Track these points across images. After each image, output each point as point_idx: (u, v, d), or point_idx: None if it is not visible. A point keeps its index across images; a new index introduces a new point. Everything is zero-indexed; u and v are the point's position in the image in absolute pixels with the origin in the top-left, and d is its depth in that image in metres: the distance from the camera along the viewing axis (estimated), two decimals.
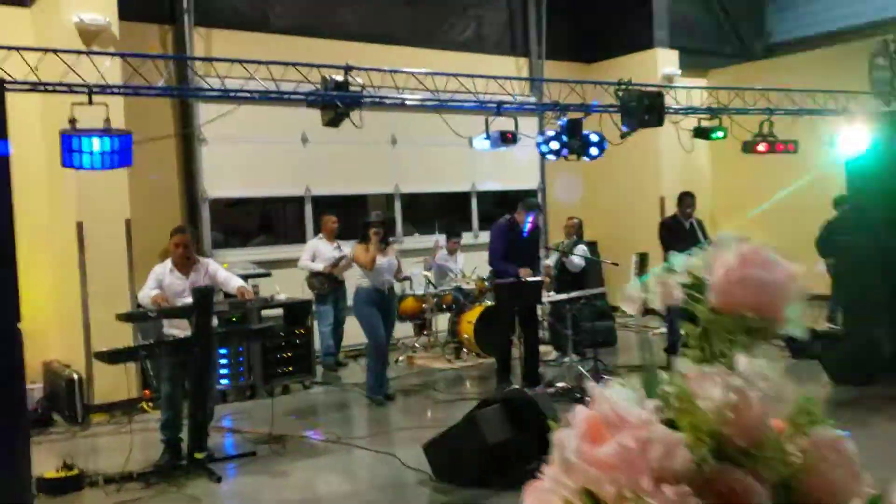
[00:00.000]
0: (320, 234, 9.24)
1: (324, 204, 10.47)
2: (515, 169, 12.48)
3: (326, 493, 5.32)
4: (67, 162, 4.89)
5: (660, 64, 12.37)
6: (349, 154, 10.57)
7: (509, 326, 7.75)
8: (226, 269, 6.15)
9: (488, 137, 6.58)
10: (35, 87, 5.02)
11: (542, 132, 6.63)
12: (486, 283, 10.06)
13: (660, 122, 6.44)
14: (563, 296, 7.60)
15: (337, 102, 5.54)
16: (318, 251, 9.01)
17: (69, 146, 4.78)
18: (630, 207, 12.68)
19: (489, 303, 9.61)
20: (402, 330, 9.93)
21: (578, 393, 7.27)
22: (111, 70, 6.79)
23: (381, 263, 7.50)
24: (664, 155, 12.46)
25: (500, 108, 6.66)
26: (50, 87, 5.15)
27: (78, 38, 7.47)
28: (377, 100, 6.47)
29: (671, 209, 12.55)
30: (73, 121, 4.95)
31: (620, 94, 6.51)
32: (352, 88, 5.70)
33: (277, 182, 10.23)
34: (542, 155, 6.95)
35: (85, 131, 4.88)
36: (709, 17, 15.26)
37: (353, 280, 8.86)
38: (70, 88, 5.10)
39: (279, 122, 9.86)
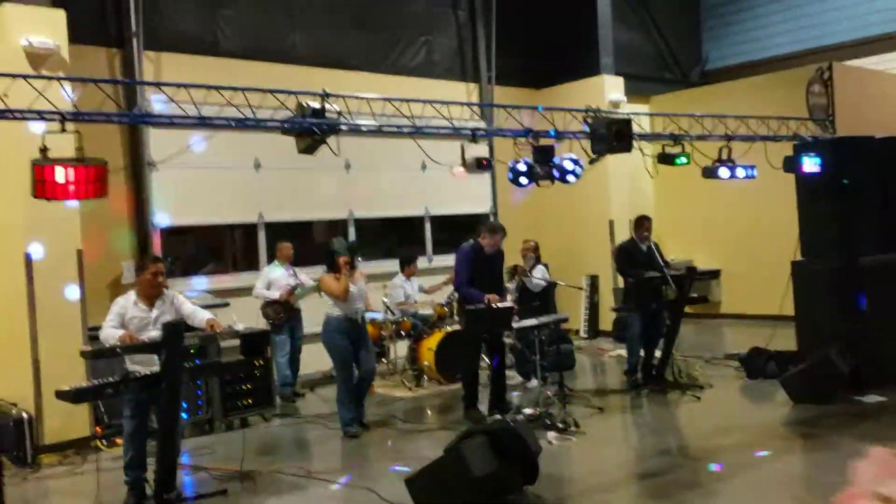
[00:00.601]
0: (275, 261, 9.05)
1: (276, 230, 10.30)
2: (468, 193, 12.51)
3: None
4: (39, 193, 4.65)
5: (606, 90, 12.58)
6: (302, 180, 10.43)
7: (476, 352, 7.68)
8: (189, 302, 5.93)
9: (464, 164, 6.55)
10: (2, 113, 4.76)
11: (514, 160, 6.60)
12: (445, 309, 10.02)
13: (628, 149, 6.51)
14: (533, 321, 7.58)
15: (314, 129, 5.43)
16: (273, 279, 8.83)
17: (41, 176, 4.55)
18: (580, 231, 12.83)
19: (449, 329, 9.56)
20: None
21: (548, 419, 7.25)
22: (58, 95, 6.47)
23: (353, 291, 7.38)
24: (612, 179, 12.67)
25: (475, 135, 6.63)
26: (19, 115, 4.89)
27: (25, 61, 7.20)
28: (353, 127, 6.36)
29: (620, 232, 12.82)
30: (44, 149, 4.70)
31: (589, 120, 6.56)
32: (328, 115, 5.59)
33: (230, 209, 10.00)
34: (512, 182, 6.91)
35: (58, 161, 4.65)
36: (648, 43, 15.63)
37: (312, 308, 8.78)
38: (41, 115, 4.86)
39: (232, 148, 9.65)
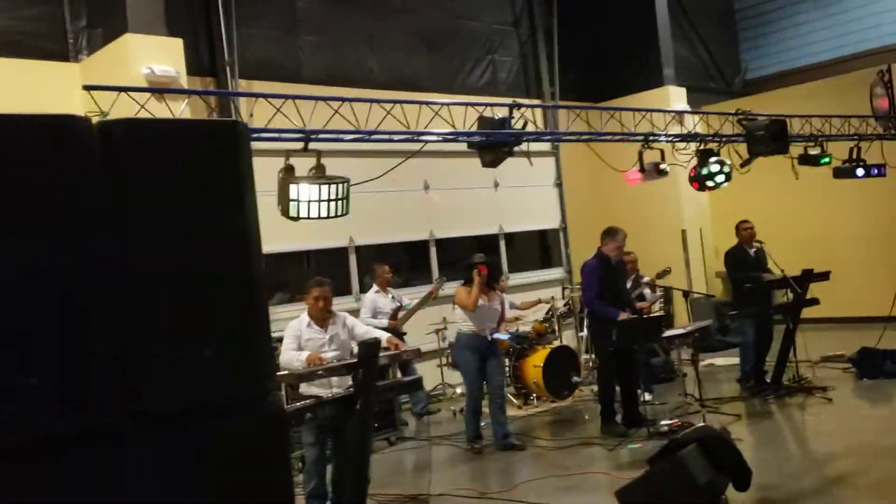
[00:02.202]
0: (375, 287, 8.91)
1: (364, 254, 10.22)
2: (538, 210, 12.47)
3: None
4: (288, 213, 4.54)
5: (672, 100, 12.61)
6: (383, 202, 10.36)
7: (613, 365, 7.56)
8: (361, 323, 5.81)
9: (643, 170, 6.48)
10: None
11: (658, 171, 6.54)
12: (545, 326, 9.91)
13: (785, 150, 6.48)
14: (681, 330, 7.49)
15: (504, 141, 5.36)
16: (377, 306, 8.70)
17: (289, 195, 4.44)
18: (651, 242, 12.75)
19: (552, 345, 9.46)
20: (455, 377, 9.65)
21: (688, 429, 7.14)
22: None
23: (483, 305, 7.30)
24: (684, 187, 12.63)
25: (647, 140, 6.58)
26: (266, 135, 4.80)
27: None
28: (535, 137, 6.30)
29: (693, 242, 12.80)
30: (290, 167, 4.60)
31: (745, 122, 6.53)
32: (515, 126, 5.52)
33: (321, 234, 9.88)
34: (699, 185, 6.81)
35: (303, 178, 4.56)
36: (692, 54, 15.73)
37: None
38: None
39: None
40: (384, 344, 5.58)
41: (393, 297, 8.92)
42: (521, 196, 12.14)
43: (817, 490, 5.44)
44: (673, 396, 8.69)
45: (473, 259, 7.72)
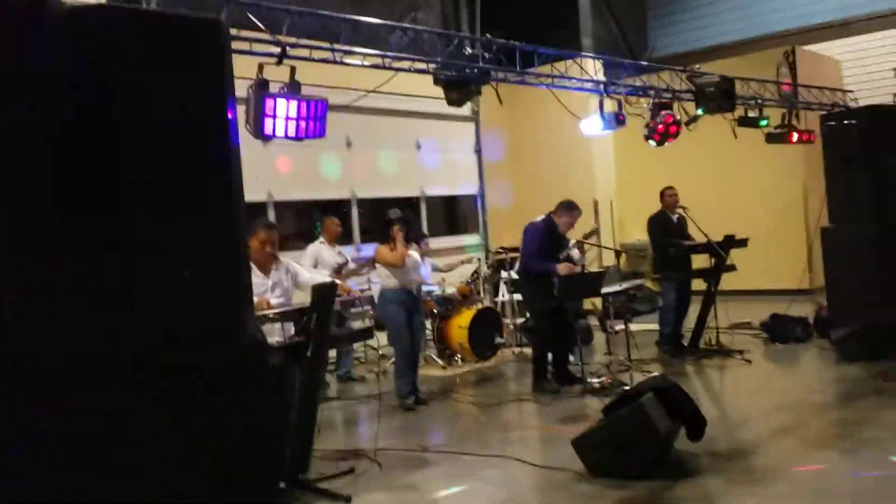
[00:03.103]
0: (321, 239, 8.54)
1: (285, 209, 9.82)
2: (457, 174, 12.34)
3: (485, 502, 4.86)
4: (262, 130, 4.13)
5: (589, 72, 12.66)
6: (306, 158, 9.98)
7: (549, 323, 7.52)
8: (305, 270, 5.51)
9: (603, 117, 6.36)
10: None
11: (618, 121, 6.44)
12: (470, 287, 9.81)
13: (732, 108, 6.54)
14: (617, 287, 7.51)
15: (472, 78, 5.12)
16: (320, 257, 8.31)
17: (264, 110, 4.04)
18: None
19: (477, 306, 9.38)
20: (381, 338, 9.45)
21: (618, 387, 7.21)
22: None
23: (409, 261, 7.13)
24: (597, 158, 12.84)
25: (606, 90, 6.47)
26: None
27: None
28: (501, 77, 6.06)
29: (604, 213, 12.97)
30: (264, 81, 4.19)
31: (696, 79, 6.54)
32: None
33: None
34: (648, 140, 6.76)
35: (277, 94, 4.16)
36: (605, 28, 15.90)
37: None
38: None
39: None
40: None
41: (339, 252, 8.56)
42: (442, 160, 11.98)
43: (761, 442, 5.55)
44: (592, 358, 8.75)
45: (389, 215, 7.52)
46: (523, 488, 5.00)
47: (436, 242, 11.56)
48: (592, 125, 6.39)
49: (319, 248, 8.34)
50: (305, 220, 10.54)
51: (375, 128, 10.85)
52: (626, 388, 7.13)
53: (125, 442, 2.86)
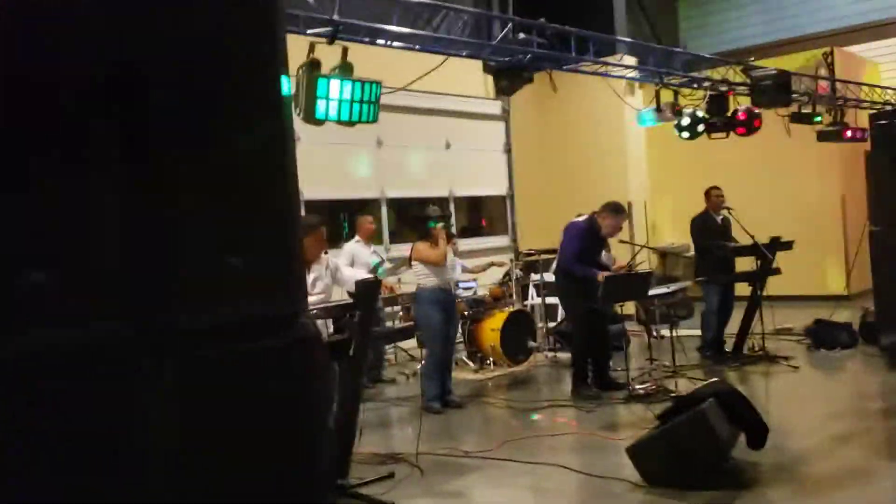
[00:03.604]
0: (356, 238, 8.30)
1: (313, 207, 9.59)
2: (486, 174, 12.10)
3: None
4: (314, 113, 3.91)
5: (624, 70, 12.40)
6: (336, 156, 9.78)
7: (589, 325, 7.26)
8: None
9: (659, 110, 6.10)
10: None
11: (677, 110, 6.14)
12: (502, 289, 9.57)
13: (788, 103, 6.28)
14: (664, 289, 7.24)
15: (523, 64, 4.88)
16: (356, 256, 8.07)
17: (316, 92, 3.81)
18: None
19: (510, 308, 9.12)
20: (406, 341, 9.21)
21: (664, 393, 6.94)
22: None
23: (448, 259, 6.91)
24: (631, 159, 12.56)
25: (662, 80, 6.21)
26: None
27: None
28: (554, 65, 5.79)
29: (638, 216, 12.68)
30: (316, 61, 3.97)
31: (751, 73, 6.28)
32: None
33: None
34: (681, 133, 6.52)
35: (331, 75, 3.94)
36: (637, 28, 15.64)
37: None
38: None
39: None
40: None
41: (374, 251, 8.35)
42: (471, 160, 11.75)
43: (823, 450, 5.27)
44: (630, 364, 8.45)
45: (428, 212, 7.24)
46: (577, 497, 4.74)
47: (464, 244, 11.35)
48: (647, 117, 6.12)
49: (355, 248, 8.10)
50: (333, 219, 10.34)
51: (406, 126, 10.63)
52: (673, 393, 6.91)
53: (160, 442, 2.60)
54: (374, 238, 8.38)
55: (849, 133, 7.48)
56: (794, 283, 11.57)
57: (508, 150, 12.36)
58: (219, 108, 2.81)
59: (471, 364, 8.92)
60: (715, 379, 5.17)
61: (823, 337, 8.93)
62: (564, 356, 9.29)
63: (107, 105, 2.55)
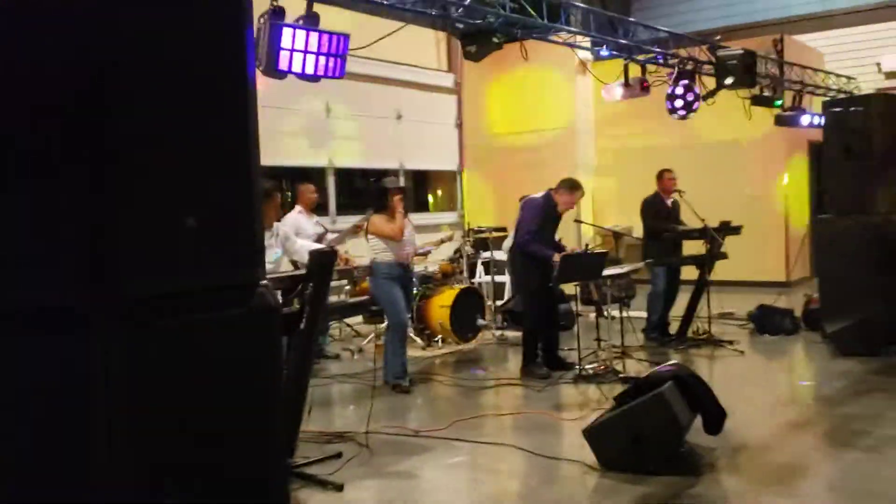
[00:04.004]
0: (298, 208, 7.99)
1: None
2: (436, 148, 11.88)
3: (491, 494, 4.44)
4: (276, 65, 3.59)
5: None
6: (281, 121, 9.43)
7: (542, 304, 7.14)
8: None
9: (628, 85, 5.91)
10: None
11: (642, 87, 5.97)
12: (453, 266, 9.40)
13: (753, 84, 6.20)
14: (619, 269, 7.15)
15: (493, 28, 4.65)
16: (299, 227, 7.77)
17: (279, 42, 3.49)
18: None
19: (459, 286, 8.96)
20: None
21: (613, 374, 6.88)
22: None
23: (406, 234, 6.71)
24: (580, 138, 12.48)
25: (631, 54, 6.04)
26: None
27: None
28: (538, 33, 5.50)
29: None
30: (279, 9, 3.64)
31: (717, 52, 6.16)
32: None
33: None
34: (672, 113, 6.36)
35: (295, 24, 3.62)
36: (589, 6, 15.49)
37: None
38: None
39: None
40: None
41: (317, 222, 8.05)
42: (422, 132, 11.52)
43: (776, 437, 5.25)
44: (575, 344, 8.38)
45: (386, 184, 6.99)
46: (533, 480, 4.61)
47: (413, 219, 11.14)
48: (614, 92, 5.96)
49: (298, 218, 7.78)
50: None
51: (356, 94, 10.34)
52: (622, 374, 6.86)
53: (110, 408, 2.37)
54: (315, 208, 8.08)
55: (806, 118, 7.46)
56: (734, 269, 11.69)
57: (459, 125, 12.15)
58: (173, 58, 2.56)
59: (419, 341, 8.74)
60: (674, 361, 5.09)
61: (766, 322, 9.02)
62: (512, 334, 9.21)
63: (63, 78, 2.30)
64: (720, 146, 12.57)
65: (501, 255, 10.50)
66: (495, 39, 4.91)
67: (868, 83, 13.13)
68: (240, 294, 2.69)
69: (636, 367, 7.26)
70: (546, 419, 5.81)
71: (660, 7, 16.98)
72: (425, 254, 8.94)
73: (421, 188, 12.09)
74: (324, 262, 4.39)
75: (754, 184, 12.53)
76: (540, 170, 12.32)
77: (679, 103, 6.09)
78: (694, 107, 6.37)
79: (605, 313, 7.20)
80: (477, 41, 4.94)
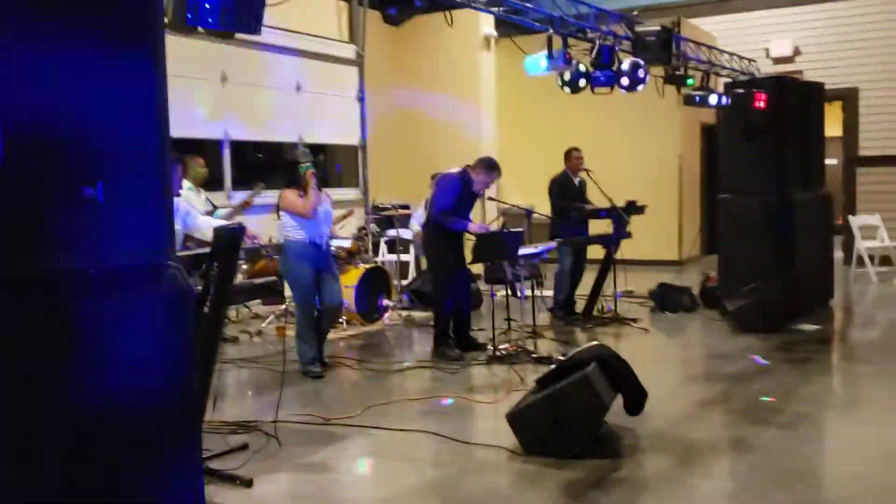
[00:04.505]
0: (187, 183, 7.42)
1: None
2: (337, 122, 11.46)
3: (412, 484, 4.21)
4: (187, 17, 3.13)
5: (482, 24, 12.13)
6: (177, 92, 8.84)
7: (453, 283, 6.95)
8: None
9: (551, 56, 5.67)
10: None
11: (565, 60, 5.74)
12: (358, 244, 9.07)
13: (669, 61, 6.14)
14: (532, 249, 7.01)
15: None
16: (190, 203, 7.23)
17: None
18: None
19: (365, 265, 8.66)
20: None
21: (526, 354, 6.78)
22: None
23: (320, 211, 6.36)
24: (484, 113, 12.32)
25: (555, 26, 5.80)
26: None
27: None
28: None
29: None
30: None
31: (635, 27, 6.05)
32: None
33: None
34: (565, 86, 6.21)
35: None
36: None
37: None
38: None
39: None
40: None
41: (206, 199, 7.55)
42: (322, 105, 11.08)
43: (691, 415, 5.26)
44: (481, 322, 8.26)
45: (298, 157, 6.59)
46: (454, 468, 4.40)
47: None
48: (537, 64, 5.77)
49: (187, 194, 7.21)
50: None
51: (253, 63, 9.82)
52: (534, 354, 6.76)
53: None
54: (205, 183, 7.60)
55: (713, 98, 7.52)
56: (631, 248, 11.89)
57: (361, 98, 11.77)
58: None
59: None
60: (595, 342, 5.00)
61: (667, 300, 9.13)
62: (418, 315, 9.01)
63: None
64: (621, 126, 12.70)
65: (407, 234, 10.27)
66: (417, 2, 4.62)
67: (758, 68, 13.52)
68: (147, 276, 2.35)
69: (549, 346, 7.19)
70: (462, 403, 5.63)
71: None
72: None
73: (326, 162, 11.62)
74: (229, 239, 4.03)
75: (652, 165, 12.72)
76: (444, 146, 12.14)
77: (602, 77, 5.95)
78: (623, 82, 6.23)
79: (519, 293, 7.06)
80: (398, 3, 4.63)
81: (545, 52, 5.62)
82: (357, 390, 6.16)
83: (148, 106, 2.33)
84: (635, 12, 6.62)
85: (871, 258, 11.08)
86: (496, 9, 5.46)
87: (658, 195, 12.62)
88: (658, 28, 6.02)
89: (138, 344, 2.28)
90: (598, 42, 5.86)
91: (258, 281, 4.76)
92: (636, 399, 4.74)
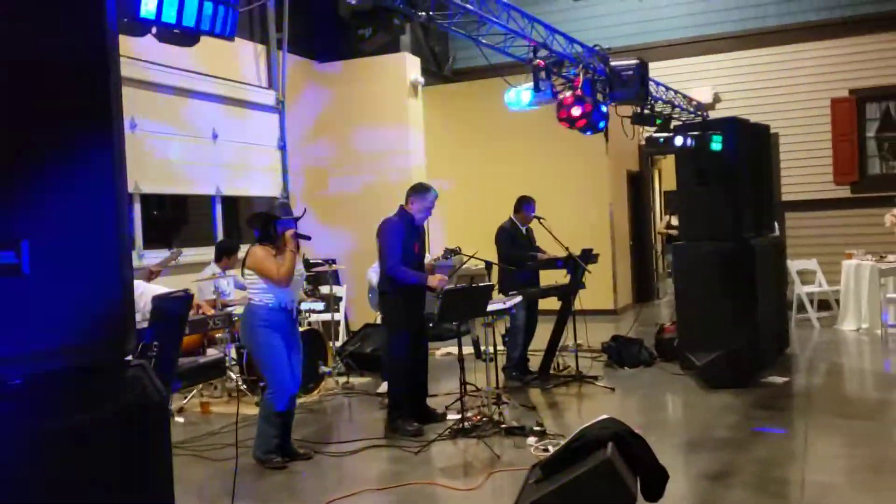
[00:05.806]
0: None
1: None
2: (258, 172, 10.61)
3: None
4: (137, 10, 2.29)
5: (408, 69, 11.56)
6: None
7: (411, 346, 6.18)
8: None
9: (538, 89, 5.03)
10: None
11: (555, 92, 5.10)
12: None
13: (646, 98, 5.65)
14: (500, 304, 6.30)
15: (393, 7, 3.63)
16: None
17: None
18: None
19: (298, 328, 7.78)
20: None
21: (494, 425, 6.05)
22: None
23: (296, 275, 5.45)
24: (413, 160, 11.69)
25: (536, 54, 5.17)
26: None
27: None
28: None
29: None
30: None
31: (611, 62, 5.54)
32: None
33: None
34: (569, 124, 5.57)
35: None
36: (413, 35, 14.86)
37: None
38: None
39: None
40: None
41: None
42: (241, 154, 10.23)
43: (703, 492, 4.63)
44: (439, 387, 7.52)
45: (276, 211, 5.54)
46: None
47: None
48: (519, 98, 5.16)
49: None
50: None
51: (166, 109, 8.93)
52: (504, 425, 6.03)
53: None
54: None
55: (678, 140, 7.10)
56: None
57: (283, 147, 10.97)
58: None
59: (250, 395, 7.42)
60: (605, 416, 4.32)
61: (624, 354, 8.61)
62: (358, 381, 8.19)
63: None
64: (555, 174, 12.36)
65: (340, 291, 9.49)
66: (395, 21, 3.96)
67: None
68: (103, 379, 1.54)
69: (516, 414, 6.49)
70: (439, 492, 4.85)
71: (477, 38, 16.72)
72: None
73: (234, 216, 10.66)
74: (173, 310, 3.20)
75: (585, 214, 12.38)
76: (373, 197, 11.42)
77: (577, 112, 5.39)
78: (599, 126, 5.68)
79: (484, 354, 6.33)
80: (374, 21, 3.96)
81: (528, 84, 5.05)
82: (314, 480, 5.25)
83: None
84: (608, 47, 6.11)
85: (812, 302, 10.91)
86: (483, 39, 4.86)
87: (592, 244, 12.24)
88: (636, 62, 5.55)
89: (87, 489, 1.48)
90: (581, 76, 5.33)
91: (203, 360, 3.90)
92: (656, 482, 4.07)
